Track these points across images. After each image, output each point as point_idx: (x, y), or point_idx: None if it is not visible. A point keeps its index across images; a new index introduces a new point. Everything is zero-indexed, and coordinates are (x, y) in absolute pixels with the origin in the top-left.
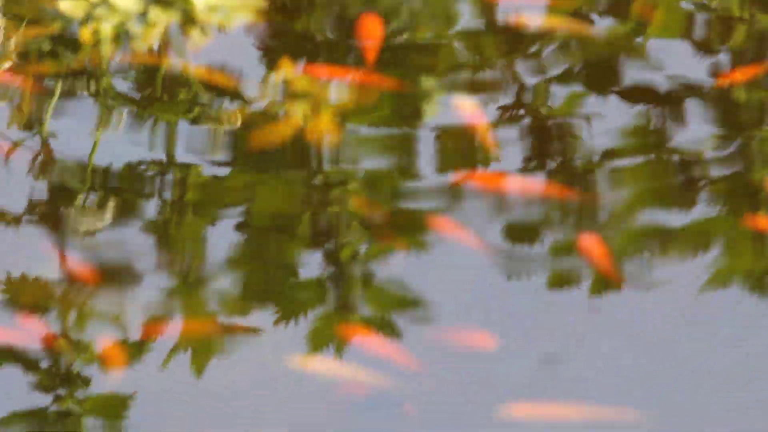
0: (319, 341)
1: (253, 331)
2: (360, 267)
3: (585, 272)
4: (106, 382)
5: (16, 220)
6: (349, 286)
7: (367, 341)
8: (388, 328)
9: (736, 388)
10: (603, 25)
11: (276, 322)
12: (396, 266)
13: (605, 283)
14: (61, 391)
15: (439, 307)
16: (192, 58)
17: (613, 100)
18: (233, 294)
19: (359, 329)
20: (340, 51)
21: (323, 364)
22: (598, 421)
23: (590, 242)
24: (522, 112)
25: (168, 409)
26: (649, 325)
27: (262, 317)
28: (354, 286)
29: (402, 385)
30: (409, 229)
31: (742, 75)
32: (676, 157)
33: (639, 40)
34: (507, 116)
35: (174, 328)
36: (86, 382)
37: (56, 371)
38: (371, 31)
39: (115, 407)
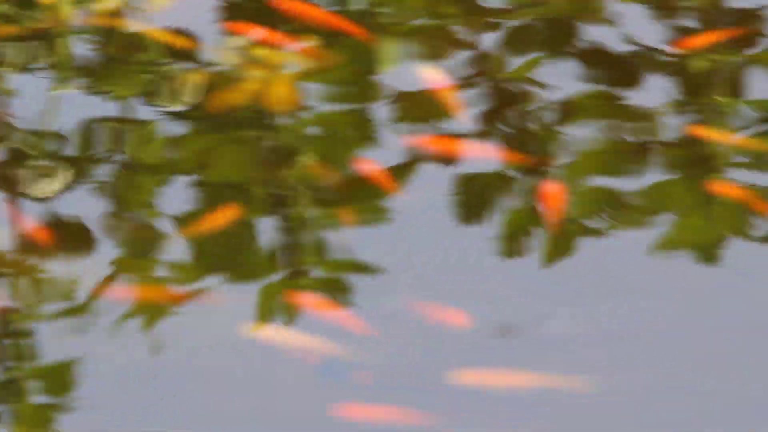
0: (269, 308)
1: (204, 298)
2: (312, 234)
3: (541, 239)
4: (56, 349)
5: None
6: (301, 252)
7: (318, 308)
8: (339, 295)
9: (688, 353)
10: None
11: (227, 289)
12: (349, 234)
13: (560, 248)
14: (10, 361)
15: (394, 276)
16: (152, 21)
17: (571, 62)
18: (185, 259)
19: (310, 296)
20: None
21: (274, 332)
22: (548, 389)
23: (551, 191)
24: (479, 76)
25: (117, 375)
26: (607, 293)
27: (213, 283)
28: (306, 253)
29: (353, 353)
30: (363, 195)
31: (700, 41)
32: (631, 122)
33: (598, 2)
34: (465, 81)
35: (125, 293)
36: (36, 350)
37: (6, 338)
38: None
39: (62, 375)
